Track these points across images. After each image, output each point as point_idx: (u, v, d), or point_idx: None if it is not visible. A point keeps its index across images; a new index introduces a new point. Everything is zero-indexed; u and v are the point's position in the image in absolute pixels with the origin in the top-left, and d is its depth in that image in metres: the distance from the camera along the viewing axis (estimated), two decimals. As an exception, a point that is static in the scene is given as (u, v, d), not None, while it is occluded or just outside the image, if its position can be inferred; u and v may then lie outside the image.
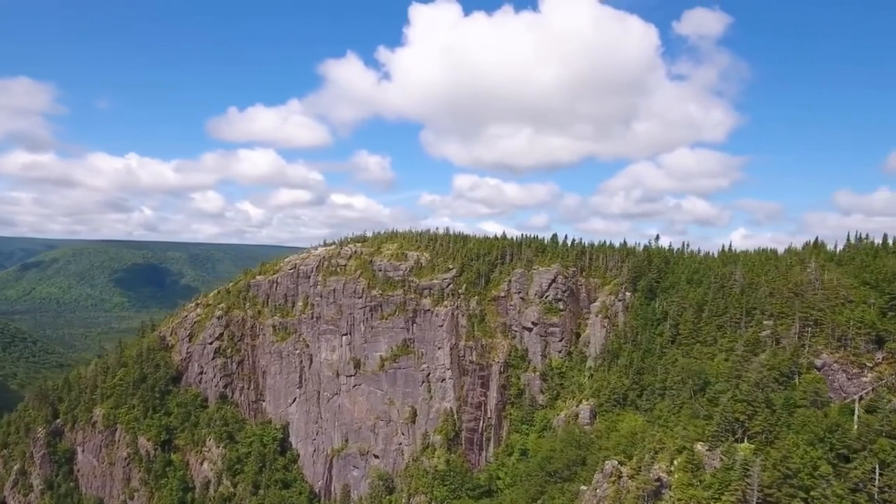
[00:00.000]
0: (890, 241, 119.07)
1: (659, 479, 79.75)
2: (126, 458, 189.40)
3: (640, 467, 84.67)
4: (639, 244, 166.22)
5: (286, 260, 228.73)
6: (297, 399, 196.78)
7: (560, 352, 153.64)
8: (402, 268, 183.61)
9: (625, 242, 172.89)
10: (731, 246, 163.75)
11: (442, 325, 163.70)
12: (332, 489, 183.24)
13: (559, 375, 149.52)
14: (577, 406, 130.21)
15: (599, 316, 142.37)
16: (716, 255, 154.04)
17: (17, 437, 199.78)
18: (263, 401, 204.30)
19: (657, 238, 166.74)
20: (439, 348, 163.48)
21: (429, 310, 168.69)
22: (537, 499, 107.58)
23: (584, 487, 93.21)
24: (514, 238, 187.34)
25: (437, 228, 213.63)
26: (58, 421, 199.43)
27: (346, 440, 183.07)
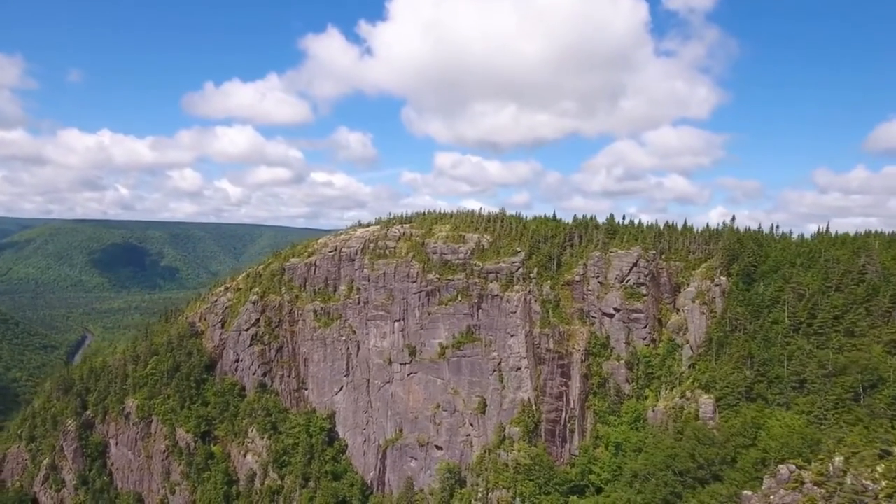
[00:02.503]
0: None
1: (864, 488, 72.78)
2: (164, 451, 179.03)
3: (827, 473, 77.74)
4: (720, 225, 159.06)
5: (320, 241, 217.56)
6: (344, 387, 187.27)
7: (644, 339, 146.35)
8: (461, 251, 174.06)
9: (697, 224, 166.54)
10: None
11: (514, 312, 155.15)
12: (387, 480, 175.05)
13: (646, 364, 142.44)
14: (681, 398, 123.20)
15: (697, 302, 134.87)
16: (807, 237, 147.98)
17: (43, 430, 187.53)
18: (306, 389, 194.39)
19: (733, 219, 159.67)
20: (512, 336, 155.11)
21: (497, 295, 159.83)
22: (672, 502, 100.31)
23: (748, 493, 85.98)
24: (579, 219, 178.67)
25: (480, 208, 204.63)
26: (87, 413, 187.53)
27: (401, 430, 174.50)
